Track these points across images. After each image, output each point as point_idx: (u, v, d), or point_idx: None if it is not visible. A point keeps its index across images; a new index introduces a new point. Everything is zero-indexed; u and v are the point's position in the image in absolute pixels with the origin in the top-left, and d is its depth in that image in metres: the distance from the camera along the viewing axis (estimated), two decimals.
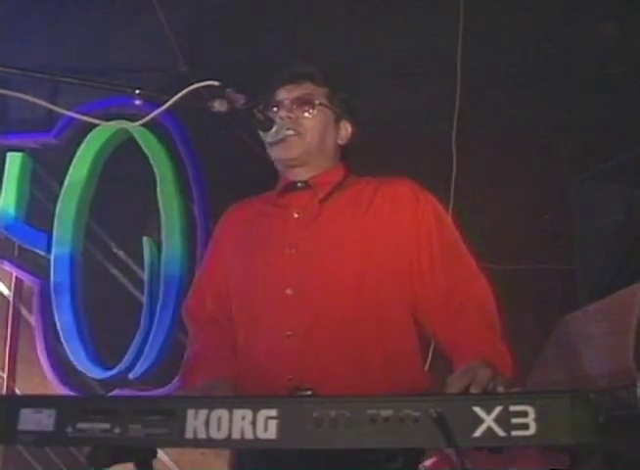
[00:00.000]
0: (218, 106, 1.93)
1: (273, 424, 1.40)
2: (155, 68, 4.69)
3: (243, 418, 1.41)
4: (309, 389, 1.87)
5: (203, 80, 1.84)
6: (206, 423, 1.42)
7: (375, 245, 2.22)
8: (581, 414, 1.37)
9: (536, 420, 1.36)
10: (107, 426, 1.46)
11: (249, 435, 1.40)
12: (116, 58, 4.67)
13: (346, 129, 2.43)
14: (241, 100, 1.95)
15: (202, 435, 1.42)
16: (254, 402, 1.43)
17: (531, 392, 1.44)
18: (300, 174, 2.36)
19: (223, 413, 1.42)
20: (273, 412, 1.41)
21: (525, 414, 1.37)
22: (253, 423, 1.41)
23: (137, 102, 1.85)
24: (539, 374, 2.35)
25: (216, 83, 1.87)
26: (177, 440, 1.43)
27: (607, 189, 4.12)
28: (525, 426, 1.36)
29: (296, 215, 2.31)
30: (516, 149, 4.47)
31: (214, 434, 1.42)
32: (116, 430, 1.45)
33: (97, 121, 2.10)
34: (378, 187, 2.33)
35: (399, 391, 1.89)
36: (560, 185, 4.32)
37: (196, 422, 1.43)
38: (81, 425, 1.47)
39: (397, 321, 2.21)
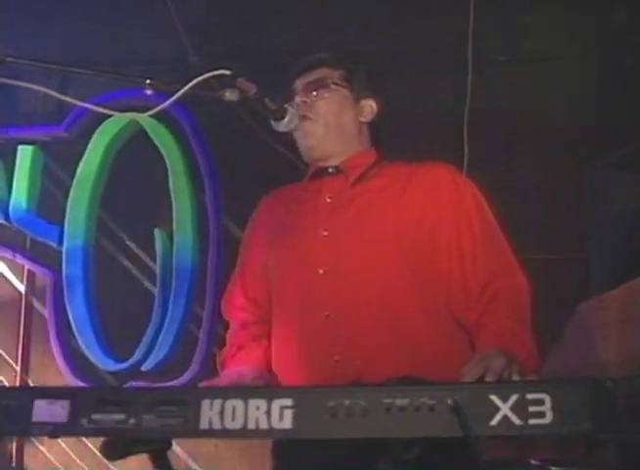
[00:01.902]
0: (229, 95, 1.92)
1: (288, 414, 1.39)
2: (165, 60, 4.68)
3: (257, 408, 1.40)
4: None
5: (213, 70, 1.83)
6: (221, 413, 1.42)
7: (411, 226, 2.18)
8: (599, 402, 1.35)
9: (553, 408, 1.35)
10: (121, 417, 1.45)
11: (264, 425, 1.40)
12: (126, 50, 4.66)
13: (371, 107, 2.39)
14: (252, 89, 1.93)
15: (216, 425, 1.41)
16: (269, 392, 1.43)
17: (548, 379, 1.43)
18: (330, 161, 2.35)
19: (238, 403, 1.42)
20: (288, 402, 1.40)
21: (541, 402, 1.35)
22: (268, 413, 1.40)
23: (148, 92, 1.84)
24: (555, 363, 2.34)
25: (227, 72, 1.86)
26: (192, 430, 1.42)
27: (621, 176, 4.09)
28: (542, 414, 1.35)
29: (328, 200, 2.29)
30: (528, 136, 4.44)
31: (229, 424, 1.41)
32: (131, 421, 1.45)
33: (110, 112, 2.08)
34: (415, 171, 2.29)
35: (452, 370, 1.89)
36: (572, 173, 4.29)
37: (211, 412, 1.42)
38: (96, 416, 1.46)
39: (436, 303, 2.17)
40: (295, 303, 2.23)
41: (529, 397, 1.36)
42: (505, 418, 1.35)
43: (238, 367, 2.18)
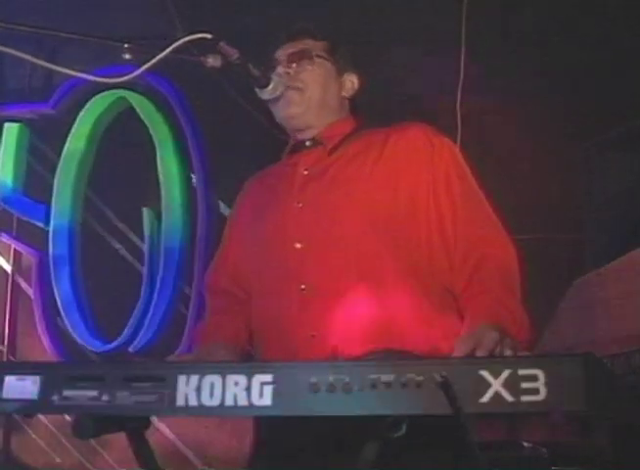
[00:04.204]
0: (212, 61, 1.84)
1: (268, 390, 1.33)
2: (152, 35, 4.59)
3: (236, 384, 1.34)
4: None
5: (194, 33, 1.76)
6: (198, 389, 1.35)
7: (386, 193, 2.08)
8: (595, 379, 1.29)
9: (547, 385, 1.28)
10: (94, 393, 1.38)
11: (242, 401, 1.33)
12: (113, 25, 4.57)
13: (352, 82, 2.32)
14: (235, 54, 1.86)
15: (193, 402, 1.34)
16: (248, 367, 1.36)
17: (542, 355, 1.36)
18: (308, 134, 2.27)
19: (216, 379, 1.35)
20: (268, 377, 1.33)
21: (534, 378, 1.29)
22: (248, 389, 1.33)
23: (126, 56, 1.77)
24: (550, 341, 2.28)
25: (209, 36, 1.79)
26: (168, 407, 1.35)
27: (617, 156, 4.04)
28: (536, 391, 1.28)
29: (304, 172, 2.21)
30: (523, 116, 4.39)
31: (207, 401, 1.34)
32: (104, 397, 1.38)
33: (99, 79, 2.00)
34: (389, 135, 2.18)
35: (434, 342, 1.81)
36: (569, 153, 4.24)
37: (187, 388, 1.35)
38: (67, 392, 1.40)
39: (417, 271, 2.06)
40: (272, 276, 2.16)
41: (522, 372, 1.30)
42: (496, 395, 1.29)
43: (208, 345, 2.12)
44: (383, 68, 4.31)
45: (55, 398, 1.40)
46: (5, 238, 4.82)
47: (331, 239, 2.07)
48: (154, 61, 1.73)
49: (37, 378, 1.42)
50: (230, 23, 4.53)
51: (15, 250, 4.85)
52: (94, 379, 1.39)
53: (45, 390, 1.41)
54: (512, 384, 1.29)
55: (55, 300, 4.63)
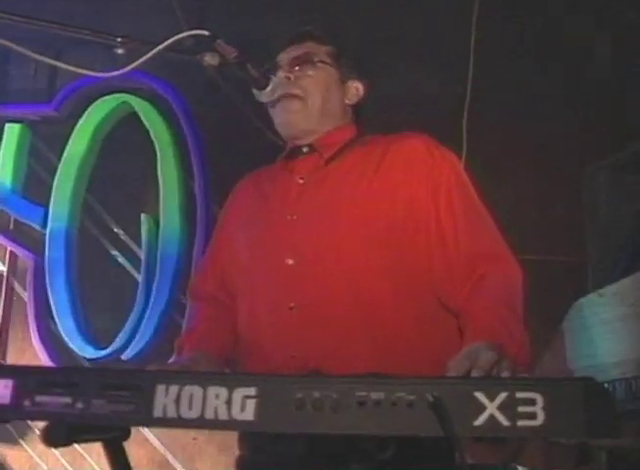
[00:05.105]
0: (209, 59, 1.79)
1: (251, 404, 1.26)
2: (160, 42, 4.56)
3: (217, 396, 1.27)
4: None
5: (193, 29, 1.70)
6: (177, 401, 1.28)
7: (384, 208, 2.00)
8: (595, 405, 1.22)
9: (545, 409, 1.22)
10: (68, 400, 1.32)
11: (223, 415, 1.26)
12: (119, 30, 4.54)
13: (357, 89, 2.25)
14: (233, 53, 1.80)
15: (171, 413, 1.28)
16: (231, 380, 1.29)
17: (541, 378, 1.30)
18: (306, 140, 2.19)
19: (196, 390, 1.28)
20: (251, 391, 1.26)
21: (532, 402, 1.22)
22: (229, 402, 1.26)
23: (120, 51, 1.71)
24: (550, 363, 2.20)
25: (206, 33, 1.73)
26: (144, 418, 1.28)
27: (621, 178, 3.98)
28: (533, 415, 1.22)
29: (300, 181, 2.14)
30: (528, 135, 4.33)
31: (185, 413, 1.27)
32: (79, 405, 1.31)
33: (100, 75, 1.94)
34: (388, 145, 2.11)
35: (433, 370, 1.74)
36: (573, 174, 4.18)
37: (166, 399, 1.28)
38: (40, 398, 1.33)
39: (416, 290, 1.98)
40: (260, 290, 2.08)
41: (519, 396, 1.24)
42: (491, 418, 1.22)
43: (192, 353, 2.04)
44: (385, 82, 4.26)
45: (27, 403, 1.33)
46: (1, 239, 4.76)
47: (324, 255, 1.99)
48: (148, 55, 1.69)
49: (9, 382, 1.35)
50: (234, 27, 4.51)
51: (10, 252, 4.78)
52: (68, 385, 1.33)
53: (17, 394, 1.34)
54: (508, 407, 1.23)
55: (49, 304, 4.56)
